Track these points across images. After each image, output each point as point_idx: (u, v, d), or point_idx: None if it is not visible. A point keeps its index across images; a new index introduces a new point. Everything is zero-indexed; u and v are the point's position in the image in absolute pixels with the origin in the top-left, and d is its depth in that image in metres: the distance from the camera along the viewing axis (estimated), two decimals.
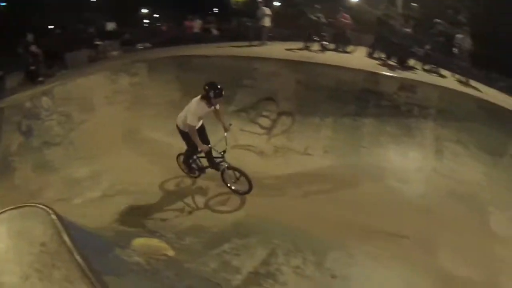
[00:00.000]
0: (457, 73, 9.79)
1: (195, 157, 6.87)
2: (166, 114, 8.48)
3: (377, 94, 8.22)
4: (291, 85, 9.05)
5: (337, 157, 7.76)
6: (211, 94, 6.06)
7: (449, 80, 9.53)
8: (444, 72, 10.17)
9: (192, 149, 6.64)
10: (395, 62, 9.98)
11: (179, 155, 7.18)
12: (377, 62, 10.07)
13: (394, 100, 8.10)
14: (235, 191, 6.74)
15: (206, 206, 6.45)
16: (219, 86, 6.14)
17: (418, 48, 10.43)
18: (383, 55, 10.52)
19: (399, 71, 9.18)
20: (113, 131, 8.66)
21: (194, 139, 6.22)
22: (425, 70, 10.08)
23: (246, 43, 12.43)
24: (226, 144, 6.43)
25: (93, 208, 6.21)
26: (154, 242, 5.25)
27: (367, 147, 7.81)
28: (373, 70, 8.71)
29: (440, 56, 10.75)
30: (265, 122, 8.83)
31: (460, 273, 5.05)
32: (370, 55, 10.87)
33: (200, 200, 6.63)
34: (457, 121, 7.81)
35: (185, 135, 6.50)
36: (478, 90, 8.90)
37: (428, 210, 6.30)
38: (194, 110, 6.13)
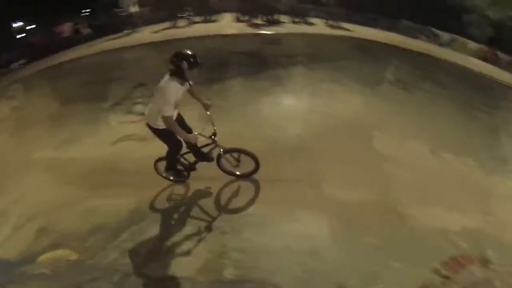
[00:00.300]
0: (328, 19, 10.23)
1: (179, 156, 5.79)
2: (50, 129, 8.18)
3: (243, 54, 8.34)
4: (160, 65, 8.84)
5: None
6: (184, 65, 4.77)
7: (319, 27, 9.89)
8: (314, 20, 10.54)
9: (175, 148, 5.54)
10: (263, 21, 10.18)
11: (156, 162, 6.08)
12: (244, 24, 10.17)
13: (260, 56, 8.25)
14: (241, 176, 5.95)
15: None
16: (190, 53, 4.89)
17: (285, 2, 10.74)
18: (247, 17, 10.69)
19: (265, 28, 9.36)
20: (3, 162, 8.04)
21: (177, 132, 5.01)
22: (294, 22, 10.38)
23: (121, 34, 12.08)
24: (214, 125, 5.33)
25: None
26: (58, 252, 5.20)
27: (240, 106, 7.87)
28: (237, 32, 8.80)
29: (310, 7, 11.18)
30: (140, 108, 8.55)
31: (355, 198, 5.45)
32: (238, 19, 10.99)
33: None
34: (330, 61, 8.17)
35: (162, 133, 5.30)
36: (349, 31, 9.33)
37: (311, 149, 6.59)
38: (167, 96, 4.78)
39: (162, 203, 5.75)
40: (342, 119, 7.23)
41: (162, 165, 5.97)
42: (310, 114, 7.51)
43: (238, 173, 5.91)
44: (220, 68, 8.34)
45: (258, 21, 10.13)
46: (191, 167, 5.95)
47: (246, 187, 5.80)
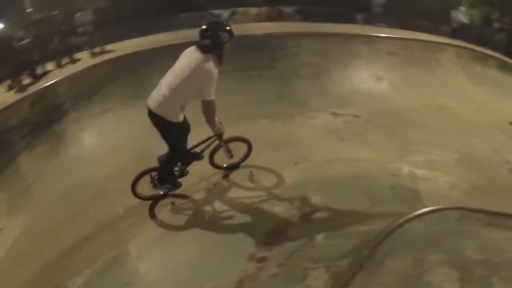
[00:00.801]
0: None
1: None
2: None
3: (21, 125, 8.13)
4: None
5: None
6: (225, 37, 4.19)
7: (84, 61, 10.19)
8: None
9: (183, 148, 4.88)
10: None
11: (140, 176, 5.22)
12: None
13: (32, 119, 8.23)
14: (237, 165, 5.99)
15: None
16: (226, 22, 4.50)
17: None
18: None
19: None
20: None
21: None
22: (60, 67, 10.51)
23: None
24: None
25: None
26: None
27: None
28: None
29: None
30: None
31: None
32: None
33: None
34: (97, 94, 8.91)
35: (174, 128, 4.52)
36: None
37: None
38: (214, 77, 4.15)
39: None
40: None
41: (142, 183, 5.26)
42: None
43: (237, 161, 5.93)
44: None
45: (27, 81, 9.96)
46: (184, 173, 5.42)
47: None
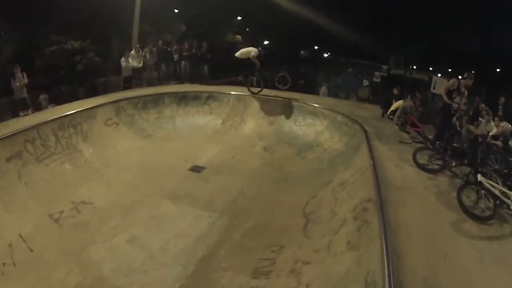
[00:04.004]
0: None
1: None
2: None
3: None
4: None
5: None
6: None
7: None
8: None
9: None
10: None
11: None
12: None
13: None
14: None
15: None
16: None
17: None
18: None
19: None
20: None
21: None
22: None
23: None
24: None
25: None
26: None
27: None
28: None
29: None
30: None
31: None
32: None
33: None
34: None
35: None
36: None
37: None
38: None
39: None
40: None
41: None
42: None
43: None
44: None
45: None
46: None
47: None
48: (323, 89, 21.08)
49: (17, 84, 11.03)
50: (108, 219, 7.65)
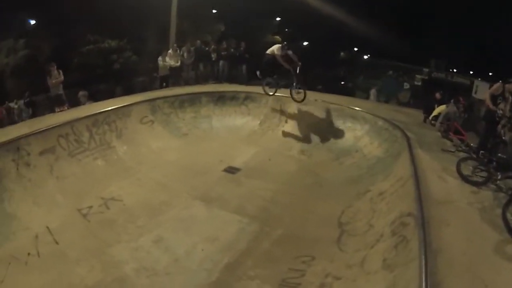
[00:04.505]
0: None
1: None
2: None
3: None
4: None
5: None
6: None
7: None
8: None
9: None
10: None
11: None
12: None
13: None
14: None
15: None
16: None
17: None
18: None
19: None
20: None
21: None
22: None
23: None
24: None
25: None
26: None
27: None
28: None
29: None
30: None
31: None
32: None
33: None
34: None
35: None
36: None
37: None
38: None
39: None
40: None
41: None
42: None
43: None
44: None
45: None
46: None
47: None
48: (373, 92, 20.26)
49: (53, 81, 11.08)
50: (136, 218, 7.43)
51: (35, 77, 14.10)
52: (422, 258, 4.34)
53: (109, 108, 10.51)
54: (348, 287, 5.06)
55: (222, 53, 15.94)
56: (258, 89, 13.68)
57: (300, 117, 12.30)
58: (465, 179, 6.80)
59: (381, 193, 7.27)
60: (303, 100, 11.16)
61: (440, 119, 9.95)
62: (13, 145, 7.79)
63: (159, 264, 6.16)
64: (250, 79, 16.00)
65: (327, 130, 11.52)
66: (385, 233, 5.71)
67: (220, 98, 13.41)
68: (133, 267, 6.08)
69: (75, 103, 12.50)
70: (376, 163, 9.05)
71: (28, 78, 16.53)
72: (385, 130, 9.97)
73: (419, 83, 25.73)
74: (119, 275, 5.94)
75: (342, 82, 30.27)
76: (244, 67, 16.28)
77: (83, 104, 12.07)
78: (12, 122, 13.14)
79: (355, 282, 5.07)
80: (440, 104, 10.90)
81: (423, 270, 4.12)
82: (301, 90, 11.10)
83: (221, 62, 16.02)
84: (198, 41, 16.55)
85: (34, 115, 13.26)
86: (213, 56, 15.99)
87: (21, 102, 15.06)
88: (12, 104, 15.19)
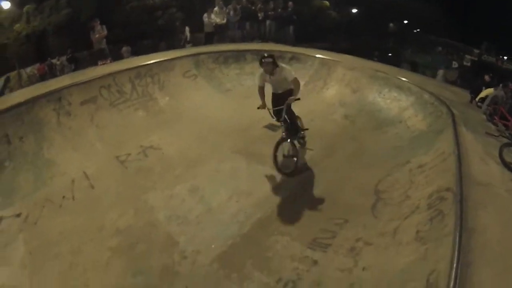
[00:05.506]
0: None
1: None
2: None
3: None
4: None
5: None
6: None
7: None
8: None
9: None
10: None
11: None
12: None
13: None
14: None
15: None
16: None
17: None
18: None
19: None
20: None
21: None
22: None
23: None
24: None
25: None
26: None
27: None
28: None
29: None
30: None
31: None
32: None
33: None
34: None
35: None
36: None
37: None
38: (289, 71, 7.22)
39: None
40: None
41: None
42: None
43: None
44: None
45: None
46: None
47: None
48: (440, 73, 18.95)
49: (96, 36, 11.05)
50: (173, 168, 7.31)
51: (78, 34, 14.22)
52: (457, 234, 4.05)
53: (153, 61, 10.40)
54: (378, 254, 4.81)
55: (269, 13, 15.39)
56: (304, 51, 13.22)
57: (346, 82, 11.65)
58: (507, 165, 6.29)
59: (421, 166, 6.83)
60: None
61: (487, 101, 9.24)
62: (55, 95, 7.86)
63: (191, 213, 6.07)
64: (297, 41, 15.37)
65: (372, 97, 10.88)
66: (421, 205, 5.38)
67: None
68: (166, 214, 6.02)
69: (118, 58, 12.50)
70: (418, 136, 8.48)
71: (70, 36, 16.79)
72: (431, 105, 9.29)
73: (468, 64, 24.17)
74: (151, 221, 5.92)
75: (390, 54, 28.71)
76: (291, 28, 15.66)
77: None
78: (54, 77, 13.37)
79: (386, 250, 4.81)
80: (488, 87, 10.13)
81: (457, 247, 3.86)
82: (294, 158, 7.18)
83: (267, 22, 15.51)
84: (245, 0, 16.02)
85: (76, 70, 13.43)
86: (260, 15, 15.47)
87: (63, 58, 15.30)
88: (54, 61, 15.46)
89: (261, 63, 7.04)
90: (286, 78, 7.03)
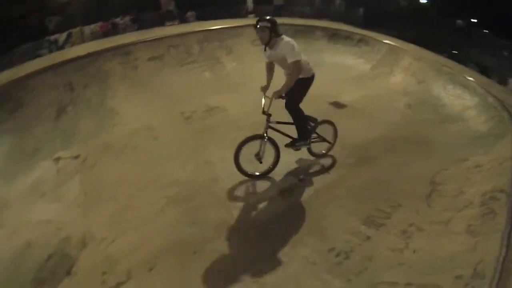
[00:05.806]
0: None
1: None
2: None
3: None
4: None
5: None
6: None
7: None
8: None
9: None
10: None
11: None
12: None
13: None
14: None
15: None
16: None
17: None
18: None
19: None
20: None
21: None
22: None
23: None
24: None
25: None
26: None
27: None
28: None
29: None
30: None
31: None
32: None
33: None
34: None
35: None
36: None
37: None
38: (290, 44, 5.18)
39: None
40: None
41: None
42: None
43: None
44: None
45: None
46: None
47: None
48: None
49: None
50: (238, 128, 7.24)
51: None
52: (506, 231, 4.28)
53: (221, 27, 10.40)
54: (430, 241, 4.79)
55: None
56: (373, 34, 12.91)
57: (412, 72, 11.26)
58: None
59: (478, 166, 6.66)
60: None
61: None
62: (122, 50, 8.15)
63: (253, 170, 6.01)
64: (367, 24, 14.86)
65: (436, 91, 10.46)
66: (475, 202, 5.35)
67: (334, 35, 12.72)
68: (226, 172, 5.97)
69: (183, 22, 12.62)
70: (479, 137, 8.13)
71: None
72: (494, 109, 8.84)
73: None
74: (211, 176, 5.97)
75: (455, 51, 27.28)
76: (361, 9, 15.27)
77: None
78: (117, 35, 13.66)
79: (437, 237, 4.81)
80: None
81: (505, 242, 4.08)
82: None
83: (337, 1, 15.15)
84: None
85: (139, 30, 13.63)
86: None
87: (127, 18, 15.52)
88: (117, 20, 15.71)
89: (255, 28, 5.19)
90: (285, 57, 5.14)
